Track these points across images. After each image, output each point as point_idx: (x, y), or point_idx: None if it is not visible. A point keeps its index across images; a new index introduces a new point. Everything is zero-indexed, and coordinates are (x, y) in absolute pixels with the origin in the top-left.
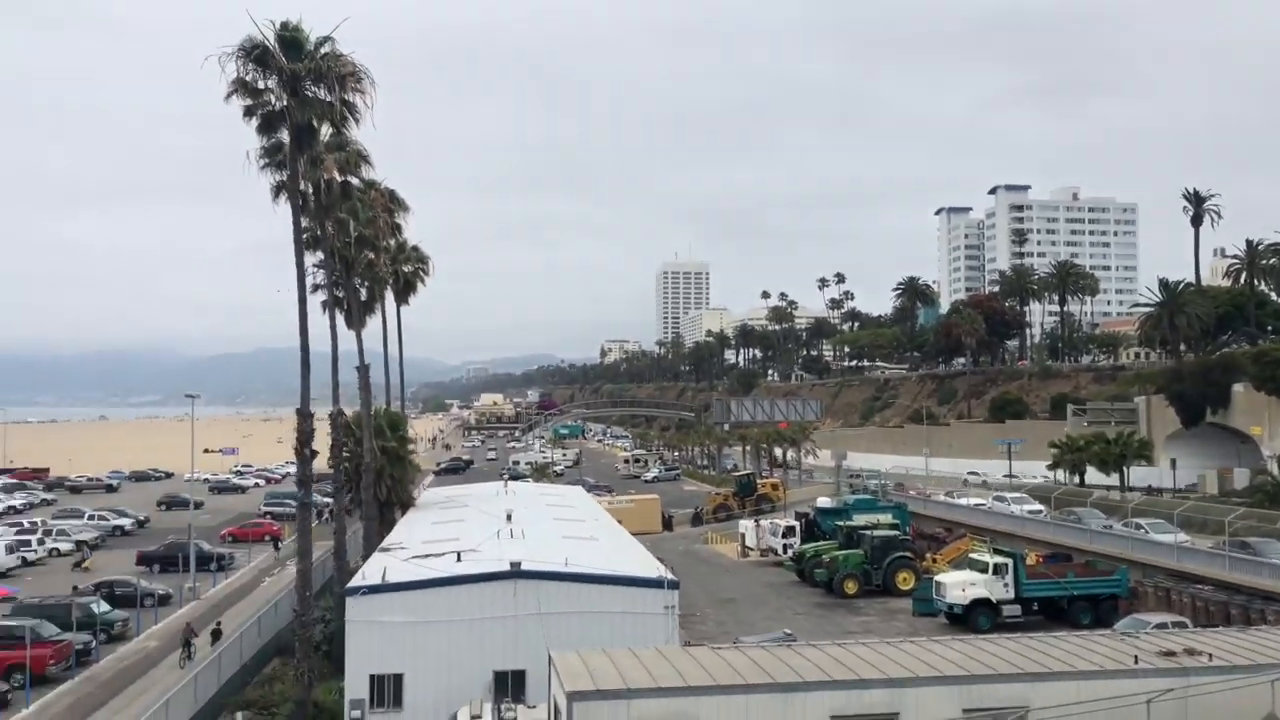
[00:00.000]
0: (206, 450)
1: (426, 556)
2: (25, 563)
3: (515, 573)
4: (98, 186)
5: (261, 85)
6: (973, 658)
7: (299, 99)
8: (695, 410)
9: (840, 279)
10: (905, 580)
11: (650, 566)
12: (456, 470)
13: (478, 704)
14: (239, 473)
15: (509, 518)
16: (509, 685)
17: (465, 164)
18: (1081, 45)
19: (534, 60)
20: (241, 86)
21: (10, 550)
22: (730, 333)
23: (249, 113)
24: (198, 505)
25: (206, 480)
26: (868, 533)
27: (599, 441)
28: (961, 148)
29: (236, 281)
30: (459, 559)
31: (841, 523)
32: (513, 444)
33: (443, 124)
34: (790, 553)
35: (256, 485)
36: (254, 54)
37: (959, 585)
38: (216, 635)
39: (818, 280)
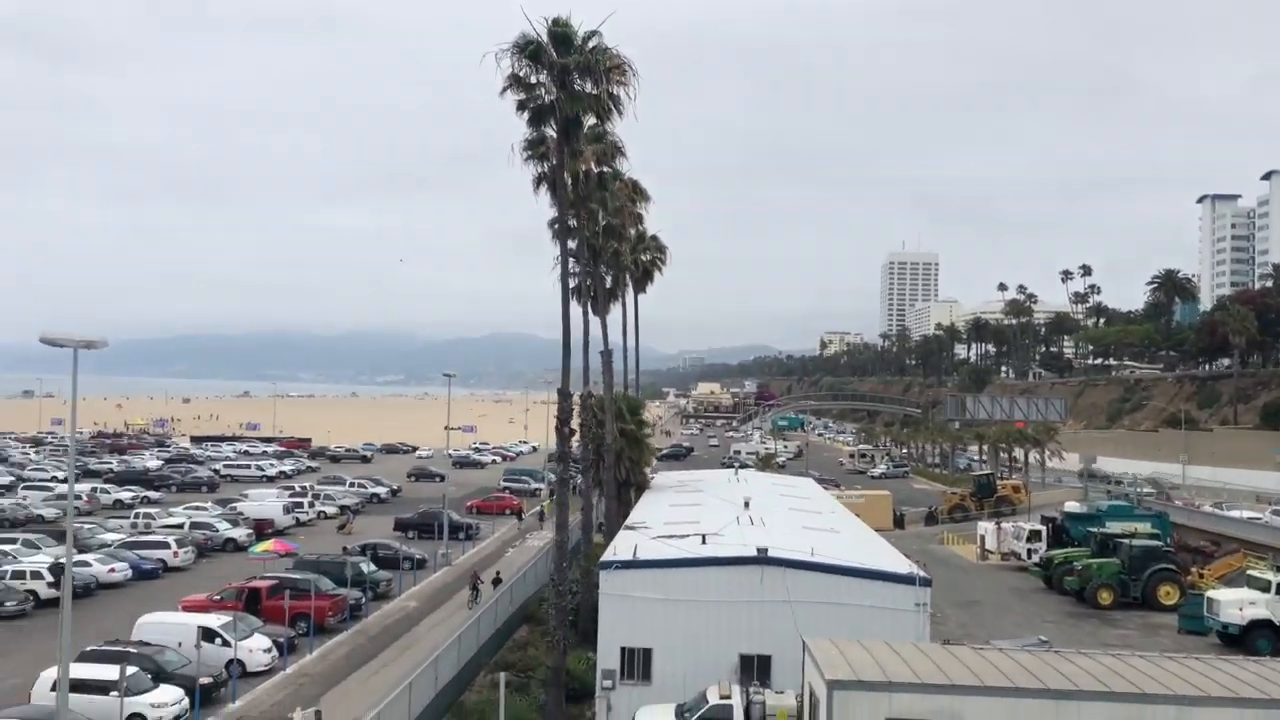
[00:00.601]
0: (447, 428)
1: (671, 537)
2: (298, 523)
3: (763, 559)
4: (354, 179)
5: (534, 80)
6: (1270, 681)
7: (568, 92)
8: (922, 406)
9: (1086, 271)
10: (1168, 594)
11: (899, 562)
12: (678, 456)
13: (726, 685)
14: (477, 449)
15: (747, 504)
16: (754, 669)
17: (684, 153)
18: None
19: (758, 45)
20: (515, 82)
21: (287, 511)
22: (961, 326)
23: (521, 106)
24: (441, 478)
25: (449, 455)
26: (1125, 541)
27: (819, 435)
28: (1229, 130)
29: (471, 269)
30: (704, 541)
31: (1095, 529)
32: (731, 433)
33: (665, 113)
34: (1035, 558)
35: (494, 461)
36: (528, 50)
37: (1236, 604)
38: (496, 582)
39: (1060, 272)
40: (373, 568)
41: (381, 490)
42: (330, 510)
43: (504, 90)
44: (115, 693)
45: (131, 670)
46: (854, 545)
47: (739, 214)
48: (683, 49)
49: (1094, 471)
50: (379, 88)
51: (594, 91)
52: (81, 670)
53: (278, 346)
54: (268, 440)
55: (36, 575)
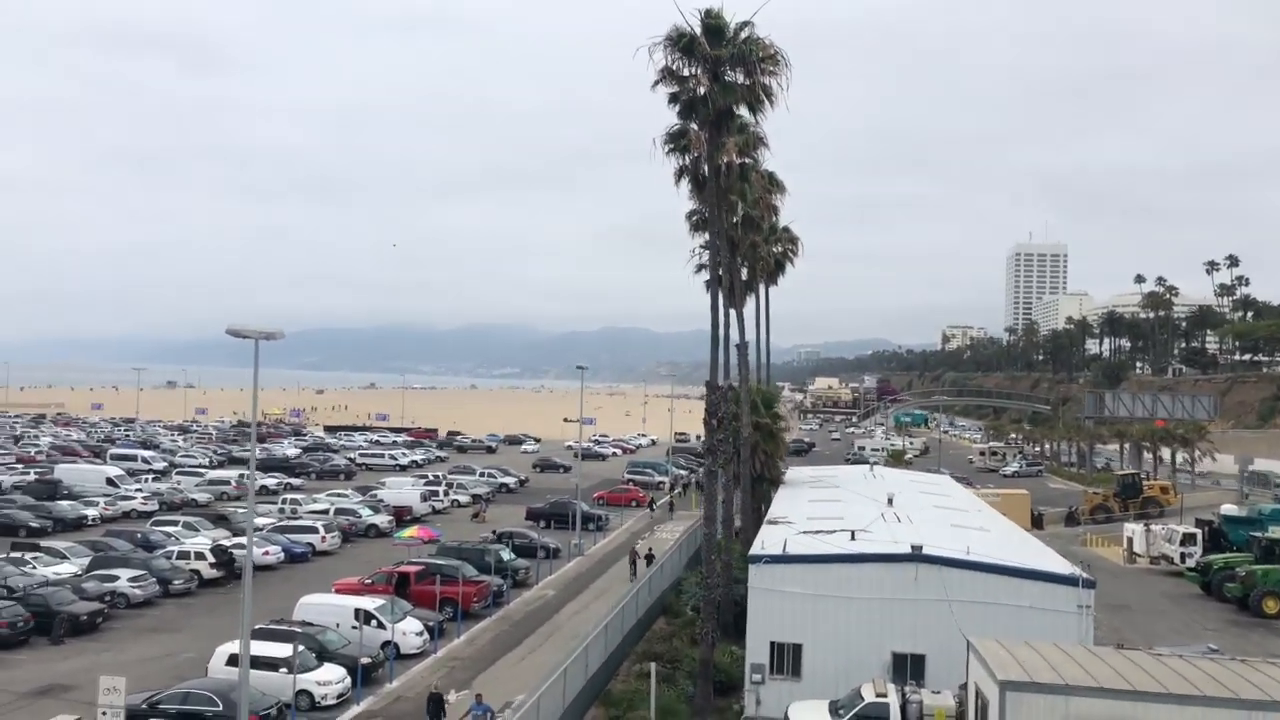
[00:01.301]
0: (566, 420)
1: (818, 533)
2: (434, 511)
3: (917, 556)
4: (472, 177)
5: (686, 73)
6: None
7: (721, 84)
8: (1052, 403)
9: (1233, 262)
10: None
11: (1058, 562)
12: (799, 452)
13: (881, 683)
14: (597, 441)
15: (890, 501)
16: (907, 668)
17: (796, 141)
18: None
19: (879, 31)
20: (668, 74)
21: (424, 499)
22: (1093, 320)
23: (674, 99)
24: (566, 469)
25: (570, 447)
26: None
27: (944, 432)
28: None
29: (585, 264)
30: (853, 537)
31: (1258, 534)
32: (852, 429)
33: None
34: (1190, 562)
35: (614, 454)
36: (681, 43)
37: None
38: (649, 559)
39: (1205, 263)
40: (511, 556)
41: (510, 480)
42: (463, 499)
43: (656, 84)
44: (284, 669)
45: (299, 649)
46: (1007, 544)
47: (854, 204)
48: (800, 34)
49: (1256, 474)
50: (496, 86)
51: (746, 82)
52: (252, 647)
53: (400, 339)
54: (397, 430)
55: (199, 556)
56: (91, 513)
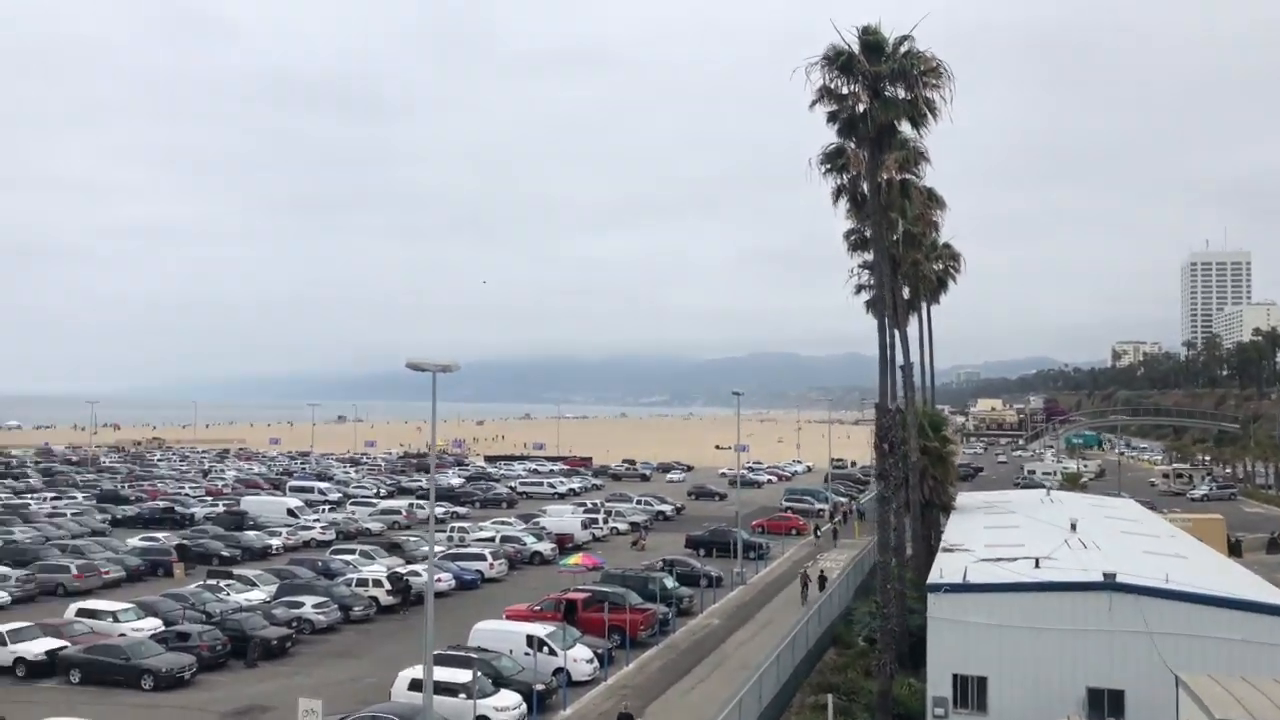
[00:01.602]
0: (718, 447)
1: (999, 560)
2: (594, 539)
3: (1112, 584)
4: (617, 208)
5: (845, 90)
6: None
7: (881, 100)
8: (1240, 421)
9: None
10: None
11: (1270, 592)
12: (966, 477)
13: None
14: (751, 468)
15: (1074, 527)
16: (1104, 704)
17: (956, 155)
18: None
19: (1037, 36)
20: (827, 93)
21: (584, 527)
22: None
23: (832, 118)
24: (721, 497)
25: (723, 474)
26: None
27: (1121, 453)
28: None
29: (730, 291)
30: (1037, 565)
31: None
32: (1019, 452)
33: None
34: None
35: (769, 481)
36: (838, 61)
37: None
38: (822, 583)
39: None
40: (675, 583)
41: (666, 508)
42: (622, 526)
43: (814, 104)
44: (463, 694)
45: (477, 674)
46: (1210, 573)
47: (1011, 218)
48: (956, 42)
49: None
50: (637, 119)
51: (908, 97)
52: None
53: (550, 370)
54: (553, 459)
55: (377, 583)
56: (275, 542)
